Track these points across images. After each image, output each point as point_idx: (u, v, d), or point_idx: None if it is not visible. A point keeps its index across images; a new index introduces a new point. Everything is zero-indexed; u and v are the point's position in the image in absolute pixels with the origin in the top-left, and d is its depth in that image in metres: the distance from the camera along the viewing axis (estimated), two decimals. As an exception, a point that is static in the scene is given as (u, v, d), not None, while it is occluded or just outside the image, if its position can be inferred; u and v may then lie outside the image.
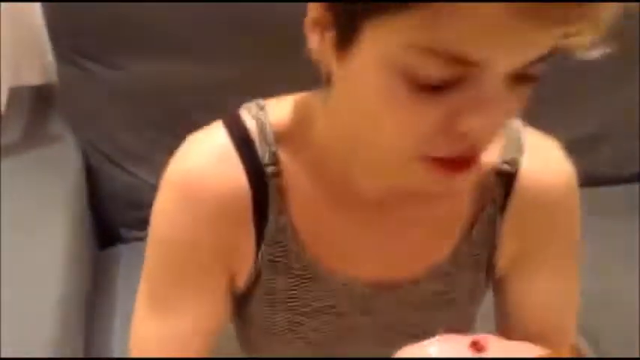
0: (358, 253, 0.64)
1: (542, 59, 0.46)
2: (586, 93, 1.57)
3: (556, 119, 1.55)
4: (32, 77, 1.46)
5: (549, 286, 0.67)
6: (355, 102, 0.51)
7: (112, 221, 1.35)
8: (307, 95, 0.61)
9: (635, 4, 0.48)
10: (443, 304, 0.66)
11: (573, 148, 1.67)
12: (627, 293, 1.25)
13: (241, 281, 0.65)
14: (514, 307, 0.70)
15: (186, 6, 1.25)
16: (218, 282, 0.63)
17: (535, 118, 1.52)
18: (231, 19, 1.22)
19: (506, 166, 0.63)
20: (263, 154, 0.60)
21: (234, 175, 0.59)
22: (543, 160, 0.64)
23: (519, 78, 0.47)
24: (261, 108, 0.62)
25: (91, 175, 1.32)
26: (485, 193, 0.64)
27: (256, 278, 0.64)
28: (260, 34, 1.11)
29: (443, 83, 0.46)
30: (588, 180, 1.48)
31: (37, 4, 1.28)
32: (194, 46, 1.14)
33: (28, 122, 1.35)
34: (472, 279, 0.67)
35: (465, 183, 0.54)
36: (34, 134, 1.31)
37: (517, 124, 0.64)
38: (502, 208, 0.64)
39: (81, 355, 1.06)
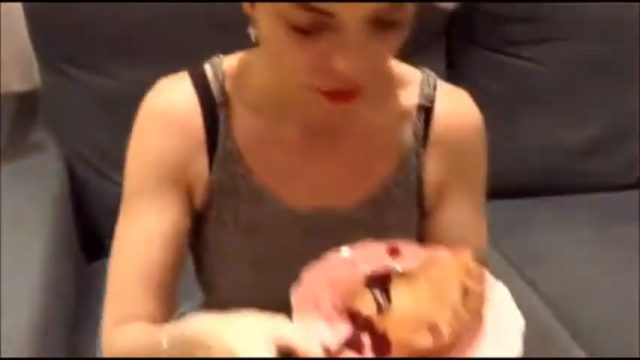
0: (299, 181, 0.76)
1: (397, 7, 0.60)
2: (587, 96, 1.54)
3: (557, 123, 1.57)
4: (17, 84, 1.43)
5: (463, 215, 0.80)
6: (264, 46, 0.67)
7: (99, 234, 1.30)
8: (254, 48, 0.72)
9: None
10: (380, 230, 0.75)
11: (575, 152, 1.64)
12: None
13: (197, 202, 0.76)
14: (434, 237, 0.80)
15: (174, 10, 1.22)
16: (178, 193, 0.74)
17: (535, 121, 1.46)
18: (220, 24, 1.19)
19: (423, 101, 0.77)
20: (214, 88, 0.74)
21: (190, 101, 0.74)
22: (455, 99, 0.79)
23: (382, 24, 0.61)
24: (219, 58, 0.77)
25: (75, 186, 1.30)
26: (408, 125, 0.77)
27: (208, 200, 0.75)
28: (250, 40, 1.08)
29: (311, 27, 0.60)
30: (588, 185, 1.54)
31: (21, 9, 1.24)
32: (182, 50, 1.10)
33: (10, 131, 1.31)
34: (404, 208, 0.78)
35: (350, 111, 0.71)
36: (16, 143, 1.28)
37: (432, 73, 0.79)
38: (424, 140, 0.77)
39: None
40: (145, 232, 0.74)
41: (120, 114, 1.23)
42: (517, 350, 0.58)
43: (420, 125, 0.77)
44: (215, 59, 0.76)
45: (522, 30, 1.49)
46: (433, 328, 0.58)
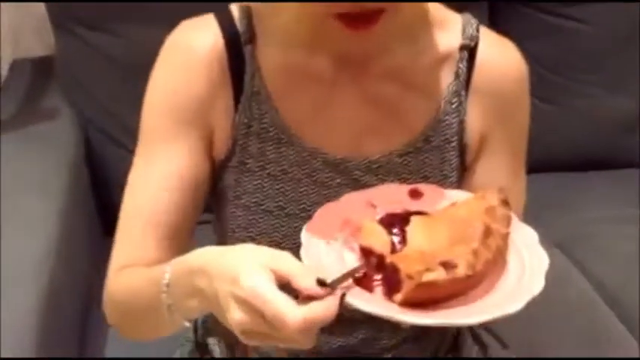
0: (331, 126, 0.72)
1: None
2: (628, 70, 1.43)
3: (607, 91, 1.46)
4: (34, 49, 1.40)
5: (502, 170, 0.76)
6: None
7: (116, 205, 1.24)
8: None
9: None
10: (417, 182, 0.71)
11: (626, 122, 1.52)
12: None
13: (220, 147, 0.72)
14: (470, 191, 0.75)
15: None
16: (198, 135, 0.71)
17: (583, 88, 1.34)
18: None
19: (467, 41, 0.73)
20: (240, 25, 0.71)
21: (215, 39, 0.70)
22: (500, 45, 0.75)
23: None
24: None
25: (91, 153, 1.26)
26: (450, 67, 0.73)
27: (232, 145, 0.72)
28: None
29: None
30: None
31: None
32: (199, 7, 1.02)
33: (26, 96, 1.28)
34: (444, 158, 0.73)
35: (380, 43, 0.68)
36: (32, 109, 1.24)
37: (474, 19, 0.75)
38: (466, 82, 0.73)
39: (75, 344, 0.99)
40: (158, 174, 0.70)
41: (135, 79, 1.17)
42: (538, 289, 0.56)
43: (463, 67, 0.73)
44: None
45: None
46: (447, 265, 0.55)
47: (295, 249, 0.59)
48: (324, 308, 0.51)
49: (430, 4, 0.72)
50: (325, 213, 0.64)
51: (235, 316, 0.52)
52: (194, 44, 0.70)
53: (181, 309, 0.61)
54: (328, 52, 0.70)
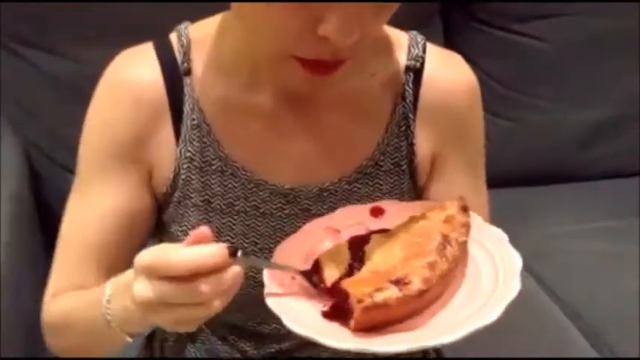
0: (276, 157, 0.70)
1: None
2: (595, 76, 1.45)
3: (563, 105, 1.46)
4: None
5: (459, 190, 0.71)
6: (238, 8, 0.61)
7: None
8: (226, 13, 0.68)
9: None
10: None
11: (583, 136, 1.52)
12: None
13: (162, 181, 0.70)
14: None
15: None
16: (136, 171, 0.69)
17: (539, 103, 1.34)
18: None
19: (412, 62, 0.71)
20: (179, 56, 0.69)
21: (152, 71, 0.69)
22: (447, 62, 0.73)
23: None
24: (186, 26, 0.72)
25: (36, 180, 1.21)
26: (396, 90, 0.71)
27: (175, 179, 0.70)
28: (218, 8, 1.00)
29: None
30: (596, 172, 1.43)
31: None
32: (146, 29, 0.98)
33: None
34: (395, 182, 0.72)
35: (329, 85, 0.65)
36: None
37: (421, 36, 0.73)
38: (414, 104, 0.71)
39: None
40: (93, 212, 0.69)
41: (80, 100, 1.13)
42: (516, 290, 0.54)
43: (410, 89, 0.71)
44: (181, 26, 0.71)
45: (524, 5, 1.40)
46: (400, 282, 0.53)
47: (255, 293, 0.58)
48: (210, 252, 0.51)
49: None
50: (287, 247, 0.62)
51: (135, 287, 0.53)
52: (131, 79, 0.68)
53: (122, 323, 0.60)
54: (270, 86, 0.68)
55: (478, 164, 0.76)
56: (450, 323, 0.52)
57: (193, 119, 0.68)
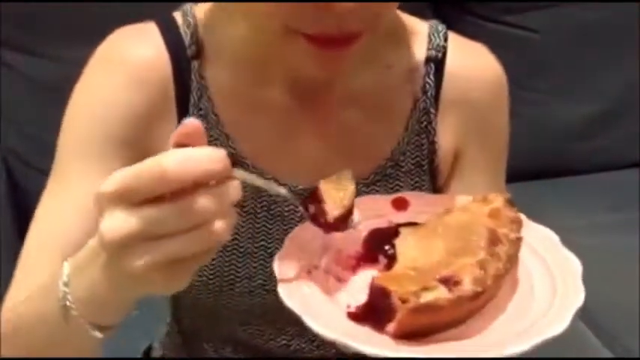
0: (289, 155, 0.64)
1: None
2: (590, 67, 1.42)
3: (559, 97, 1.44)
4: None
5: (482, 187, 0.67)
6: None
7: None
8: None
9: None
10: None
11: (580, 128, 1.49)
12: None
13: None
14: None
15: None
16: (131, 159, 0.54)
17: (536, 96, 1.30)
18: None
19: (433, 52, 0.66)
20: (186, 37, 0.62)
21: (157, 51, 0.61)
22: (470, 52, 0.68)
23: None
24: (191, 6, 0.64)
25: (13, 186, 1.17)
26: (416, 83, 0.66)
27: None
28: None
29: None
30: (595, 164, 1.41)
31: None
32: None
33: None
34: (416, 184, 0.67)
35: (343, 66, 0.56)
36: None
37: (442, 24, 0.68)
38: (435, 99, 0.66)
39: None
40: (74, 201, 0.59)
41: (59, 102, 1.08)
42: (581, 296, 0.48)
43: (431, 81, 0.66)
44: (185, 6, 0.64)
45: None
46: (449, 281, 0.47)
47: (249, 292, 0.52)
48: (210, 156, 0.40)
49: (396, 15, 0.65)
50: (299, 235, 0.55)
51: (103, 225, 0.41)
52: (133, 56, 0.61)
53: (87, 308, 0.47)
54: (283, 77, 0.63)
55: (500, 162, 0.71)
56: (509, 333, 0.46)
57: (200, 109, 0.62)
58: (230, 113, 0.62)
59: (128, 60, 0.61)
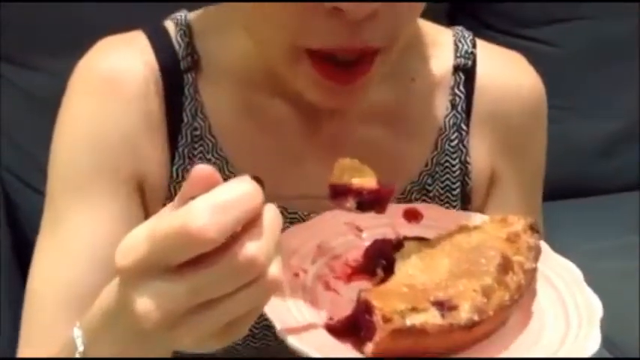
0: (300, 181, 0.58)
1: None
2: (617, 82, 1.39)
3: (575, 114, 1.39)
4: None
5: (515, 208, 0.62)
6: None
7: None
8: (223, 5, 0.58)
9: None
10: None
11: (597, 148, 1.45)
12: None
13: (151, 203, 0.57)
14: None
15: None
16: (122, 188, 0.55)
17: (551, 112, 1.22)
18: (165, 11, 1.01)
19: (461, 60, 0.60)
20: (179, 48, 0.57)
21: (144, 61, 0.56)
22: (503, 58, 0.62)
23: None
24: (185, 14, 0.60)
25: (7, 204, 1.13)
26: (444, 97, 0.59)
27: (168, 201, 0.49)
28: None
29: None
30: (611, 185, 1.36)
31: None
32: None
33: None
34: (445, 207, 0.61)
35: (352, 98, 0.50)
36: None
37: (467, 32, 0.62)
38: (466, 113, 0.60)
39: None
40: (69, 244, 0.55)
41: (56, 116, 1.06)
42: (596, 344, 0.42)
43: (461, 93, 0.60)
44: (177, 15, 0.60)
45: (533, 8, 1.36)
46: (444, 305, 0.42)
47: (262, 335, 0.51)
48: (243, 192, 0.35)
49: (417, 24, 0.60)
50: (297, 232, 0.51)
51: (137, 307, 0.34)
52: (115, 71, 0.56)
53: None
54: (290, 93, 0.56)
55: (536, 182, 0.65)
56: None
57: (195, 129, 0.57)
58: (229, 133, 0.57)
59: (110, 77, 0.56)
